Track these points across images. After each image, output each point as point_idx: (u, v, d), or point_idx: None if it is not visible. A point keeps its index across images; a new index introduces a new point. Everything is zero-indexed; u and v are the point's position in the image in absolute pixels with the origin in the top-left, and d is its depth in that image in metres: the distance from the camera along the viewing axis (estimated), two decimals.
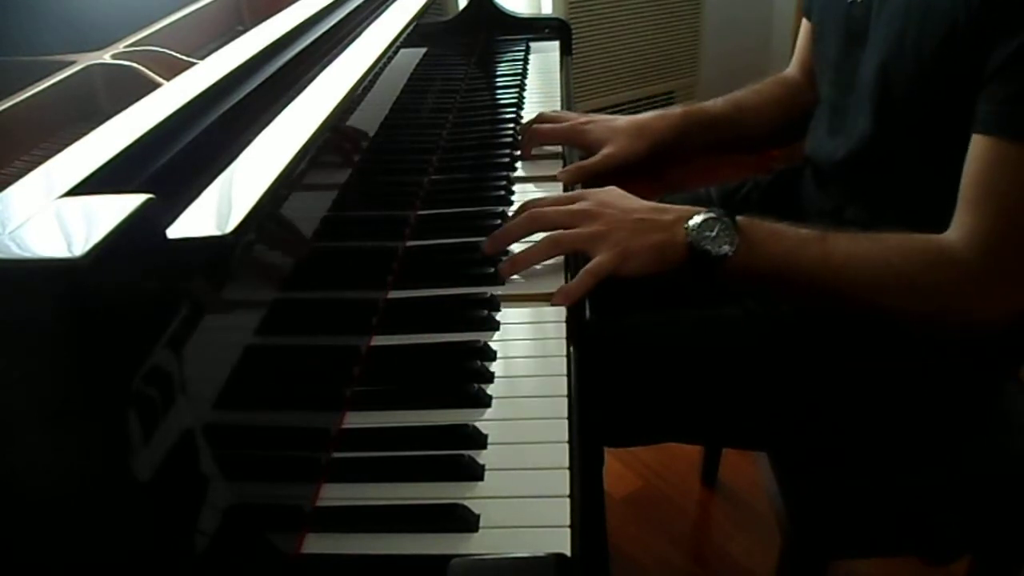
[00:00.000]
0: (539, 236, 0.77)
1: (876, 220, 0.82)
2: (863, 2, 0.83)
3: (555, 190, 0.98)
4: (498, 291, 0.74)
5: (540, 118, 1.05)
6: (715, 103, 1.06)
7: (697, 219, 0.73)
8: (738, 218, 0.74)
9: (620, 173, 0.99)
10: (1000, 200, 0.68)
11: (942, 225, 0.71)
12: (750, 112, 1.06)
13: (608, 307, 0.90)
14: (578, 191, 0.84)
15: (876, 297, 0.72)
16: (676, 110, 1.04)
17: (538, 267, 0.77)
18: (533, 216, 0.78)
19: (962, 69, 0.71)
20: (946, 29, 0.72)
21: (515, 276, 0.77)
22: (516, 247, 0.79)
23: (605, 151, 0.99)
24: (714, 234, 0.72)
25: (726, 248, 0.72)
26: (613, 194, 0.79)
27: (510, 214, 0.87)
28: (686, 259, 0.73)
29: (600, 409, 0.74)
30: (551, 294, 0.73)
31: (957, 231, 0.70)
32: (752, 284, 0.76)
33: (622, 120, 1.04)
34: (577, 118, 1.04)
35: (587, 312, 0.80)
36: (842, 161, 0.87)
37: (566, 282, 0.75)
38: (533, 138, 1.03)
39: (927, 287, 0.71)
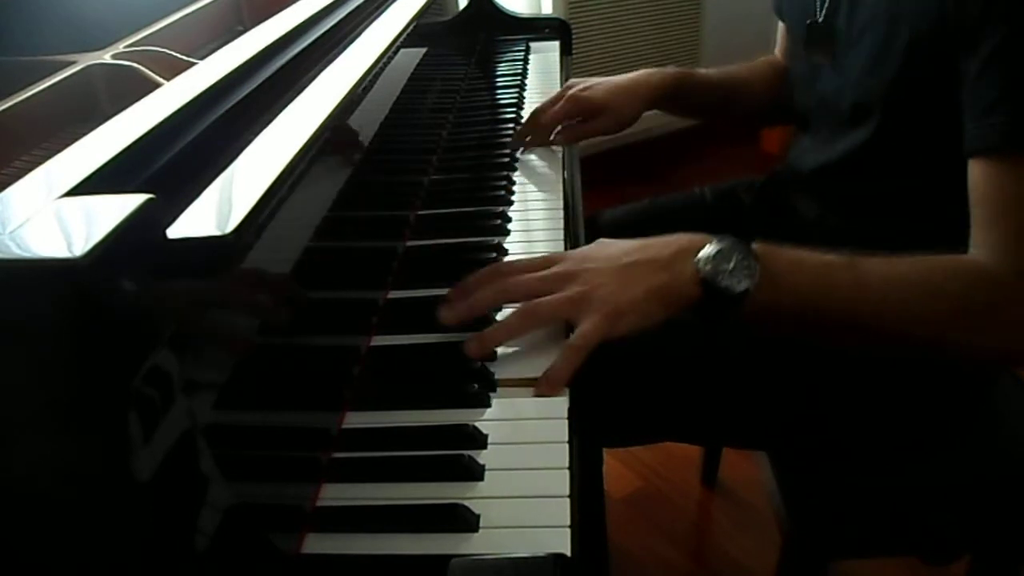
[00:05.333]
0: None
1: (857, 230, 0.81)
2: (824, 21, 0.84)
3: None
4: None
5: (535, 115, 1.04)
6: (708, 71, 1.08)
7: (710, 249, 0.62)
8: (754, 245, 0.63)
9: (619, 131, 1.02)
10: (1017, 217, 0.63)
11: (932, 236, 0.67)
12: (740, 85, 1.08)
13: None
14: (554, 253, 0.73)
15: (921, 325, 0.64)
16: (670, 70, 1.05)
17: (533, 338, 0.65)
18: (502, 287, 0.66)
19: (928, 79, 0.70)
20: (911, 41, 0.72)
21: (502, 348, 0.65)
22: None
23: (605, 116, 1.00)
24: (731, 267, 0.61)
25: (746, 283, 0.61)
26: (596, 247, 0.67)
27: (510, 214, 0.88)
28: (697, 300, 0.62)
29: (599, 409, 0.74)
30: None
31: (983, 251, 0.64)
32: (776, 322, 0.65)
33: (620, 80, 1.04)
34: (572, 88, 1.04)
35: None
36: (821, 171, 0.87)
37: None
38: (535, 126, 1.03)
39: (978, 309, 0.63)
